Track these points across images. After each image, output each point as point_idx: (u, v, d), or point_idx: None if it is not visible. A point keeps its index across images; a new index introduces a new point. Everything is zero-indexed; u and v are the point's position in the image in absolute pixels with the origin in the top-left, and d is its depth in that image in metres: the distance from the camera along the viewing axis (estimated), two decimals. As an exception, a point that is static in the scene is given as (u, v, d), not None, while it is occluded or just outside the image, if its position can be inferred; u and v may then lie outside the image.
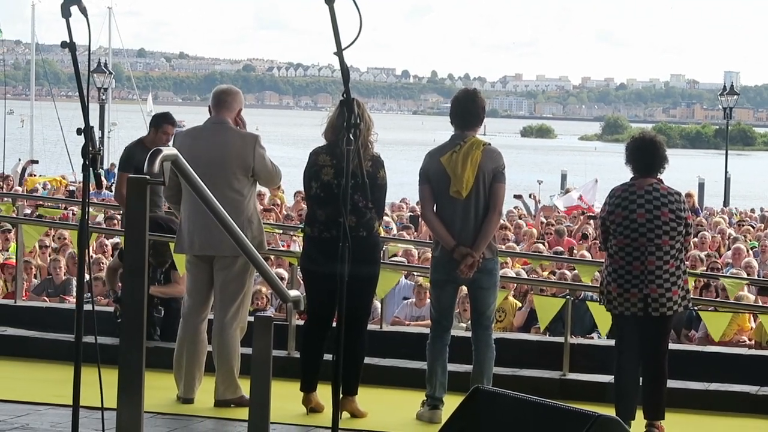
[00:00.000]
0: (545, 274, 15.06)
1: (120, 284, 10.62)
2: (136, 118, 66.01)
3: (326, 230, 8.35)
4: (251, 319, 6.89)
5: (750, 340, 12.64)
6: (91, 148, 5.30)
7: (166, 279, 10.56)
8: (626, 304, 8.35)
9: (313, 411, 8.40)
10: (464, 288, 8.97)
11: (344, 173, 5.53)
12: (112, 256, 13.58)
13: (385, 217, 17.45)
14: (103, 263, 13.90)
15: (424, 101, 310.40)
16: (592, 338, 12.32)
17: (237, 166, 8.46)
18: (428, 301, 12.82)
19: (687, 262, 8.79)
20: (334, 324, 8.33)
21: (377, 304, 11.89)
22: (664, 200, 8.38)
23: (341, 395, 7.92)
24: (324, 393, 8.39)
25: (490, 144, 8.59)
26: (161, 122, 11.32)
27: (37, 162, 37.21)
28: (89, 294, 10.18)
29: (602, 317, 10.37)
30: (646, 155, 8.51)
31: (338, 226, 8.20)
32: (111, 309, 10.74)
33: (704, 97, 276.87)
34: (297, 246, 14.85)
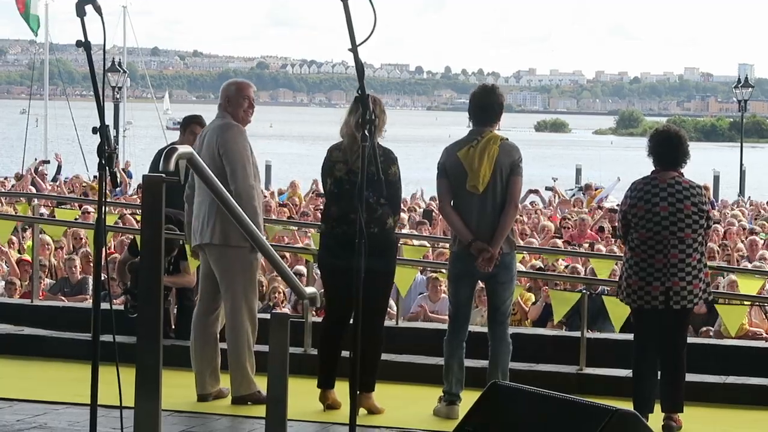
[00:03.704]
0: (561, 267, 15.03)
1: (130, 276, 10.65)
2: (150, 117, 65.97)
3: (338, 226, 8.37)
4: (266, 316, 6.89)
5: (767, 333, 12.61)
6: (106, 147, 5.30)
7: (174, 269, 10.55)
8: (647, 297, 8.33)
9: (330, 408, 8.40)
10: (480, 282, 8.97)
11: (360, 169, 5.53)
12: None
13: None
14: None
15: (437, 97, 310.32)
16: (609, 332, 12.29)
17: (213, 156, 8.44)
18: (443, 295, 12.85)
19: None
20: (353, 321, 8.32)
21: (391, 300, 11.90)
22: (687, 193, 8.36)
23: (358, 392, 7.96)
24: (341, 390, 8.40)
25: (507, 139, 8.58)
26: (188, 123, 11.21)
27: (48, 162, 37.26)
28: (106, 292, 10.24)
29: (617, 312, 10.36)
30: (670, 148, 8.50)
31: (350, 222, 8.25)
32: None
33: (718, 90, 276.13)
34: (311, 243, 14.82)
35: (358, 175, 8.29)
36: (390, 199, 8.38)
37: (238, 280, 8.51)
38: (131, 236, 15.12)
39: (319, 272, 13.01)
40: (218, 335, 8.74)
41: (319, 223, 9.40)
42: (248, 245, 8.18)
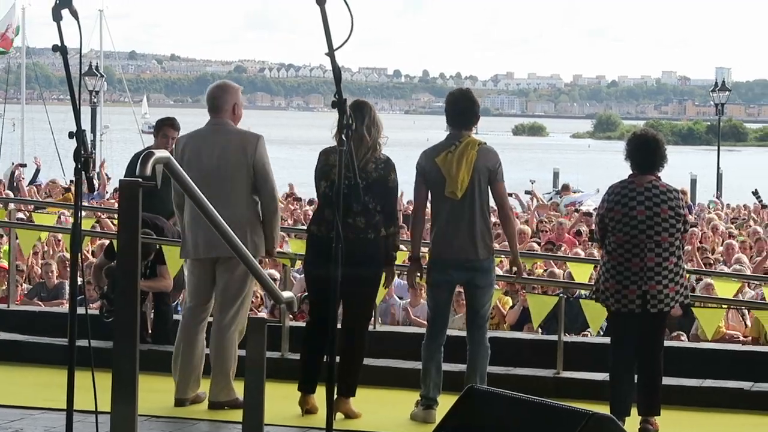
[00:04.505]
0: (539, 272, 15.04)
1: (106, 281, 10.59)
2: (127, 121, 65.86)
3: (333, 229, 8.23)
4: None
5: (745, 336, 12.64)
6: (83, 152, 5.28)
7: (152, 273, 10.51)
8: (623, 300, 8.35)
9: (308, 412, 8.39)
10: (459, 287, 8.97)
11: (337, 174, 5.54)
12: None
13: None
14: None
15: (415, 101, 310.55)
16: (586, 336, 12.32)
17: (241, 166, 8.39)
18: (422, 301, 12.83)
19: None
20: (339, 325, 8.27)
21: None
22: (664, 197, 8.39)
23: (337, 396, 7.95)
24: (321, 395, 8.39)
25: (485, 143, 8.58)
26: (161, 126, 11.13)
27: (25, 165, 37.09)
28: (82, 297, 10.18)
29: (594, 315, 10.37)
30: (648, 153, 8.51)
31: (345, 226, 8.16)
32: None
33: (696, 94, 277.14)
34: (288, 247, 14.80)
35: (357, 178, 8.28)
36: (387, 207, 8.38)
37: (246, 289, 8.53)
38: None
39: (298, 276, 13.00)
40: (204, 341, 8.71)
41: (304, 228, 9.35)
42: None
